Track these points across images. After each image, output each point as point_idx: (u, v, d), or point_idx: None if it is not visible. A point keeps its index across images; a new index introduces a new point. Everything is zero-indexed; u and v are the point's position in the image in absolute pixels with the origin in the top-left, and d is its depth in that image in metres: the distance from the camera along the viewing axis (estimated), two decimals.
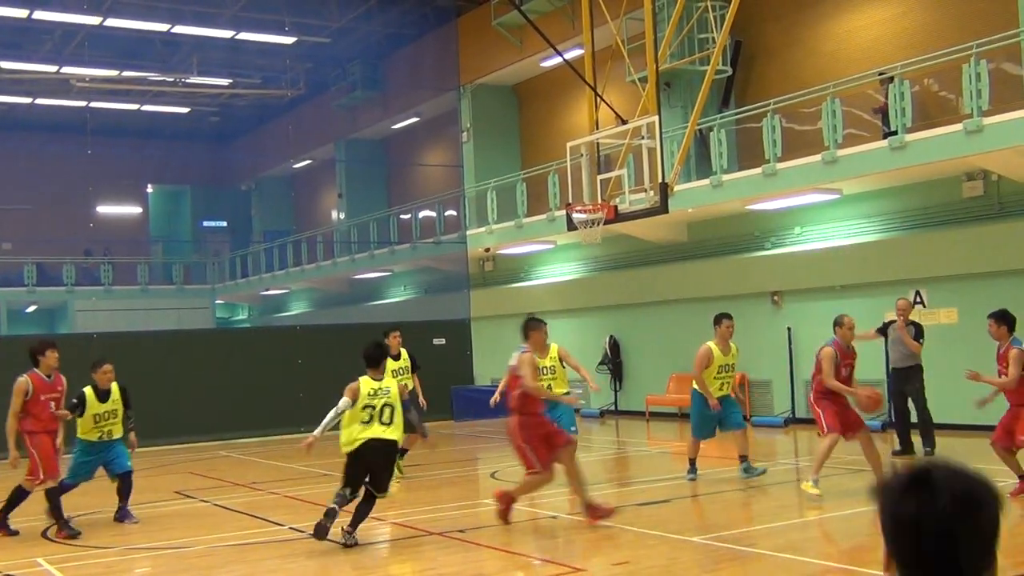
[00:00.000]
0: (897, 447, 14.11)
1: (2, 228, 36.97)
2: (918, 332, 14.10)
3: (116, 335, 21.96)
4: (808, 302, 19.14)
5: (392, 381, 9.85)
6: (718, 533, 8.95)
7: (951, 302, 17.04)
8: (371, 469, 9.19)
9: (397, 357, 13.60)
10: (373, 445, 9.12)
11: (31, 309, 38.08)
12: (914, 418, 14.39)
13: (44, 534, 10.49)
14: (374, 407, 9.23)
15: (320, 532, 8.90)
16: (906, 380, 14.08)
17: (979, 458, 13.54)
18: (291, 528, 10.17)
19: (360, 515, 9.18)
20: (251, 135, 41.39)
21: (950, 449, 14.72)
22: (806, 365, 19.18)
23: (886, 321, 14.55)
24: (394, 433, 9.31)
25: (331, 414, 9.19)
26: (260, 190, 42.28)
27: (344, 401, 9.21)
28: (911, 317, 14.45)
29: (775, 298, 19.80)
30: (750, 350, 20.25)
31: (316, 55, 32.69)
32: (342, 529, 9.04)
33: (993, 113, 15.15)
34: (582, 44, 18.14)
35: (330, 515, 8.93)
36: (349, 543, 9.01)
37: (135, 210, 42.98)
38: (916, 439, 14.15)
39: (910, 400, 14.23)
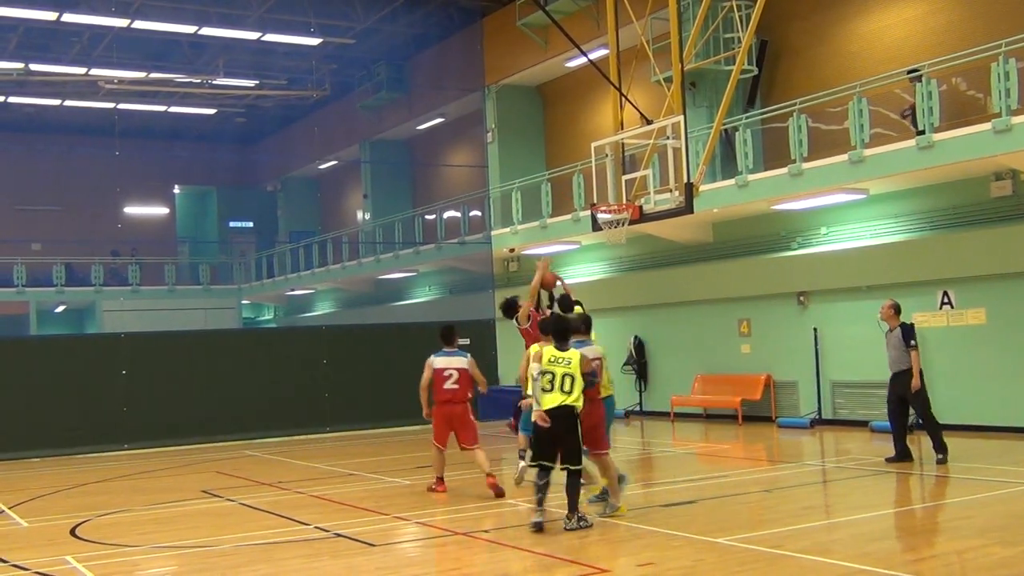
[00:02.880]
0: (891, 454, 13.48)
1: (32, 229, 37.35)
2: (906, 334, 13.40)
3: (143, 335, 22.13)
4: (834, 303, 19.02)
5: (575, 352, 9.63)
6: (744, 534, 8.91)
7: (979, 302, 16.90)
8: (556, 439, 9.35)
9: None
10: (555, 414, 9.33)
11: (60, 309, 38.41)
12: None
13: (73, 532, 10.58)
14: (554, 375, 9.37)
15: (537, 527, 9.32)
16: (902, 385, 13.43)
17: (1006, 458, 13.43)
18: (316, 527, 10.21)
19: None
20: (277, 136, 41.60)
21: (979, 451, 14.60)
22: (832, 366, 19.11)
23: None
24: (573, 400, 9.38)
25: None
26: (286, 191, 42.48)
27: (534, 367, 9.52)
28: (903, 319, 13.78)
29: (801, 299, 19.70)
30: (776, 351, 20.22)
31: (341, 56, 32.80)
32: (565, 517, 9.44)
33: (1022, 112, 15.01)
34: (607, 44, 18.11)
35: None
36: (571, 527, 9.32)
37: (162, 211, 43.28)
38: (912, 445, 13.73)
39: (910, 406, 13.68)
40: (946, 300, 17.32)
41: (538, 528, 9.32)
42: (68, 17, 27.67)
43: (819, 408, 19.10)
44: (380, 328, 24.91)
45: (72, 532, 10.62)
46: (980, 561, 7.84)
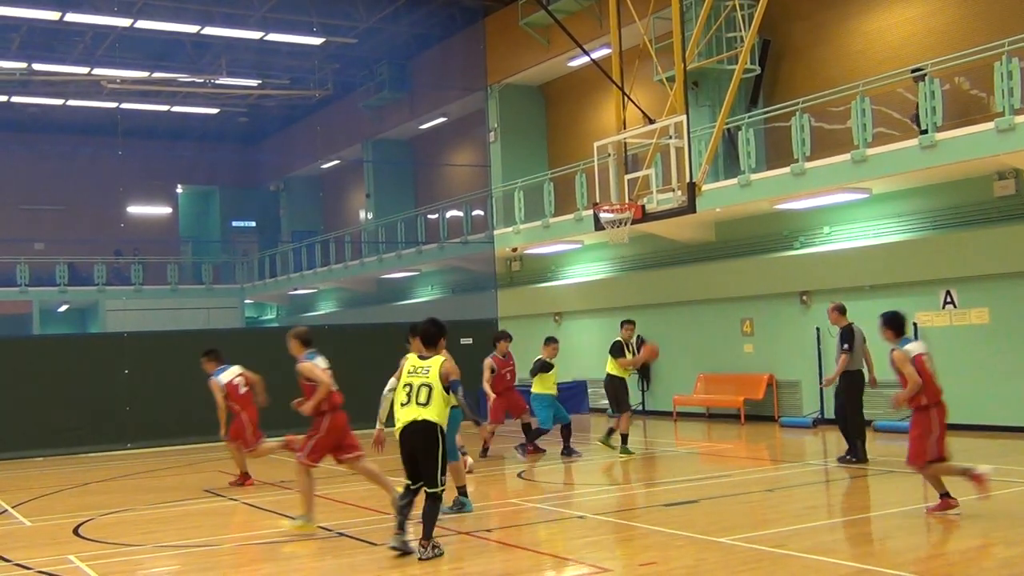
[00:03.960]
0: (846, 453, 13.64)
1: (35, 228, 37.38)
2: (842, 337, 13.47)
3: (146, 335, 22.13)
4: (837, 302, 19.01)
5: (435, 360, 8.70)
6: (746, 534, 8.91)
7: (982, 302, 16.88)
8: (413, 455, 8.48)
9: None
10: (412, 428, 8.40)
11: (63, 309, 38.45)
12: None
13: (76, 532, 10.59)
14: (411, 386, 8.52)
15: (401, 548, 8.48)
16: (845, 385, 13.62)
17: (1009, 458, 13.41)
18: (319, 526, 10.21)
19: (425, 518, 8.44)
20: (279, 136, 41.62)
21: (982, 451, 14.59)
22: (835, 366, 19.07)
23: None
24: (430, 414, 8.40)
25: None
26: (288, 190, 42.50)
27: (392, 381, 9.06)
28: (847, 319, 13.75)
29: (804, 298, 19.69)
30: (778, 350, 20.22)
31: (344, 56, 32.82)
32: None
33: None
34: (610, 43, 18.13)
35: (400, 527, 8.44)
36: (425, 556, 8.31)
37: (165, 210, 43.31)
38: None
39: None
40: (949, 300, 17.31)
41: (400, 551, 8.49)
42: (71, 17, 27.71)
43: (821, 408, 19.08)
44: (383, 328, 24.88)
45: (75, 531, 10.62)
46: (983, 562, 7.84)
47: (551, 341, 16.26)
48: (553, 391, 15.78)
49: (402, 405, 8.51)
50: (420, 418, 8.36)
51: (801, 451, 16.43)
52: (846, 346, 13.29)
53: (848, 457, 13.46)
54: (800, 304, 19.78)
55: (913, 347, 9.84)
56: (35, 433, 19.25)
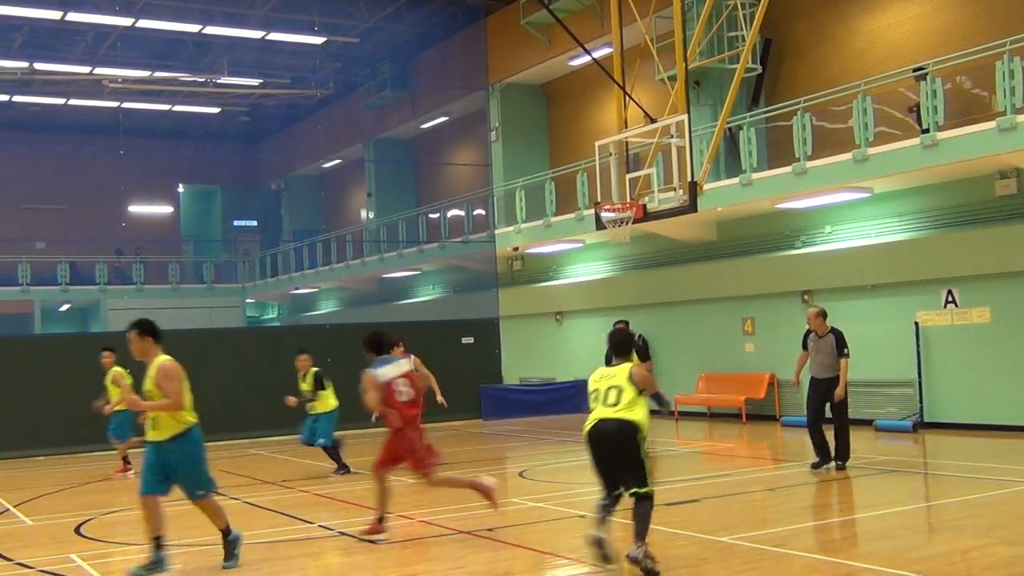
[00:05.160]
0: (815, 459, 12.89)
1: (36, 228, 37.40)
2: (840, 342, 12.77)
3: None
4: (839, 301, 19.00)
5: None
6: (748, 533, 8.90)
7: (983, 301, 16.87)
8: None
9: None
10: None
11: (64, 308, 38.47)
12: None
13: (77, 531, 10.60)
14: (599, 391, 8.08)
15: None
16: (827, 390, 12.76)
17: (1010, 457, 13.41)
18: (320, 526, 10.22)
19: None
20: (281, 135, 41.63)
21: (983, 450, 14.59)
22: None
23: (807, 330, 13.16)
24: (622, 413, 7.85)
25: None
26: (290, 189, 42.52)
27: None
28: (830, 323, 13.03)
29: (805, 297, 19.68)
30: (780, 350, 20.20)
31: (345, 55, 32.84)
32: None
33: None
34: (611, 43, 18.15)
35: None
36: (635, 555, 7.56)
37: (167, 209, 43.33)
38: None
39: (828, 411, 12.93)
40: (950, 299, 17.30)
41: (598, 546, 7.90)
42: (72, 16, 27.73)
43: None
44: (384, 327, 24.86)
45: (76, 530, 10.64)
46: (985, 560, 7.83)
47: (303, 352, 15.35)
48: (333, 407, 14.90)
49: (591, 411, 8.13)
50: (612, 417, 7.86)
51: (802, 450, 16.38)
52: (846, 351, 12.76)
53: (840, 464, 12.77)
54: (802, 303, 19.76)
55: (387, 371, 9.84)
56: (36, 432, 19.28)
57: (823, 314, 13.01)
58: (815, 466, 12.79)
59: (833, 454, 12.85)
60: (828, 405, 12.88)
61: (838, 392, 12.66)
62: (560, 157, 27.59)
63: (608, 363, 8.42)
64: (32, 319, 35.96)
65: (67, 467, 17.36)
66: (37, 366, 19.80)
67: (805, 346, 13.16)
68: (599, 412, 7.96)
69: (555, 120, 28.91)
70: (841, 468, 12.72)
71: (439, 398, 14.81)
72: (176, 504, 12.31)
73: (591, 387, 8.15)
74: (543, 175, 25.51)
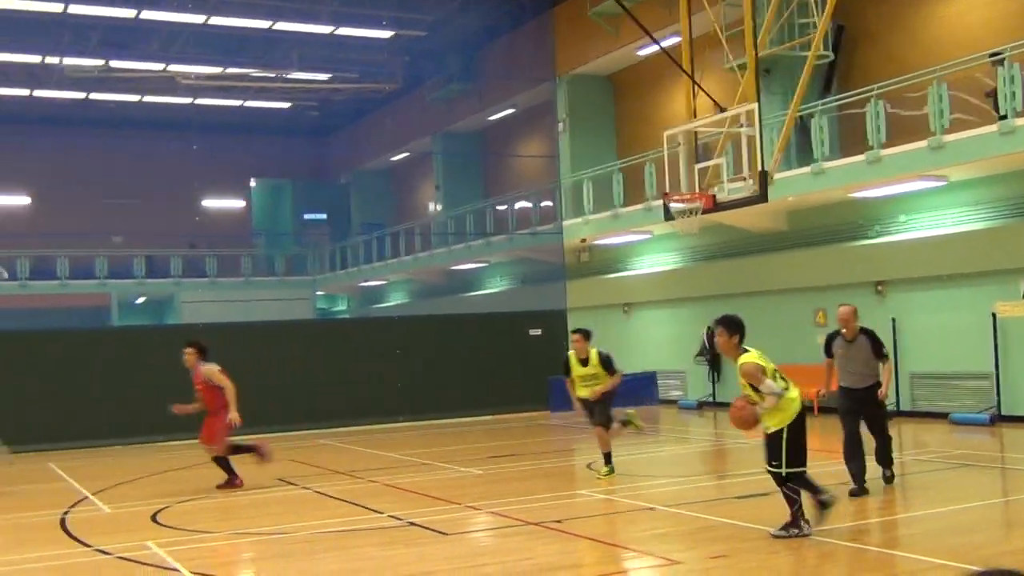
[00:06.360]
0: (853, 486, 10.72)
1: (113, 222, 38.24)
2: (878, 344, 10.90)
3: (221, 326, 22.51)
4: (913, 292, 18.66)
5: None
6: (820, 528, 8.77)
7: None
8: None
9: (585, 363, 12.58)
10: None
11: (140, 300, 39.26)
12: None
13: (153, 518, 10.81)
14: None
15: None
16: (864, 402, 10.96)
17: None
18: (390, 516, 10.30)
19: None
20: (350, 129, 42.01)
21: None
22: (912, 356, 18.76)
23: (829, 334, 11.28)
24: None
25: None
26: (358, 183, 42.89)
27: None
28: (859, 323, 11.04)
29: (879, 288, 19.34)
30: None
31: (413, 49, 33.02)
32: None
33: None
34: (679, 31, 17.96)
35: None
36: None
37: (239, 203, 43.99)
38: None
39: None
40: None
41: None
42: (146, 14, 28.26)
43: (897, 400, 18.73)
44: (452, 319, 25.01)
45: (153, 518, 10.85)
46: None
47: None
48: None
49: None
50: None
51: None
52: (885, 351, 10.97)
53: (889, 474, 11.19)
54: (875, 294, 19.43)
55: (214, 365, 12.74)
56: (114, 422, 19.71)
57: (856, 312, 11.00)
58: (854, 493, 10.61)
59: (876, 461, 11.13)
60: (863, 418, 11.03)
61: (882, 392, 10.93)
62: (628, 147, 27.44)
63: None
64: (109, 311, 36.79)
65: (143, 456, 17.73)
66: (114, 357, 20.24)
67: (829, 352, 11.09)
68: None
69: (623, 110, 28.76)
70: (891, 477, 11.18)
71: None
72: (250, 493, 12.51)
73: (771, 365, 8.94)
74: (611, 166, 25.39)
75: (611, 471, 12.44)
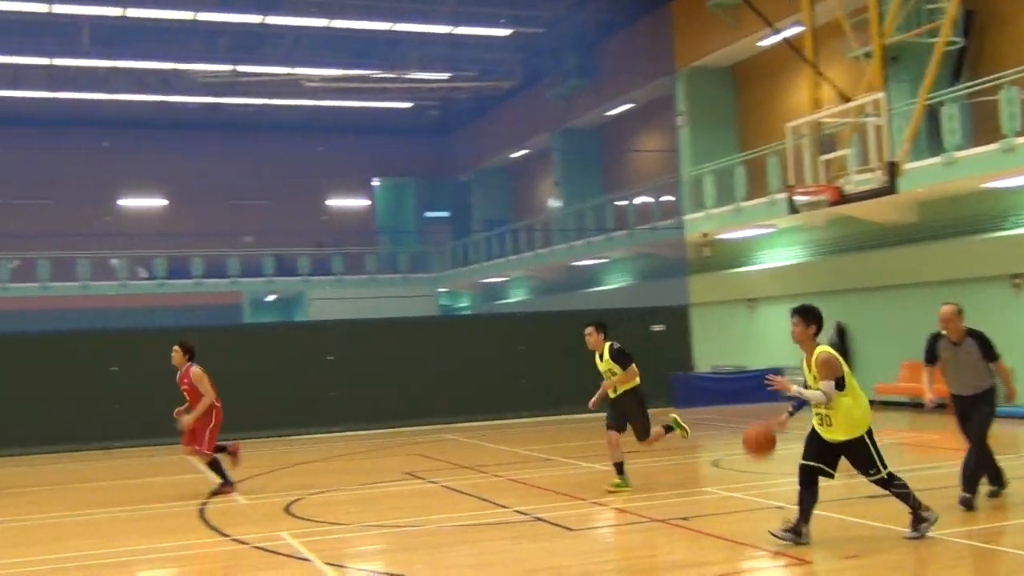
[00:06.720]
0: (990, 486, 10.22)
1: (243, 223, 39.47)
2: (984, 345, 10.08)
3: (348, 323, 23.04)
4: None
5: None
6: (956, 528, 8.54)
7: None
8: None
9: (601, 358, 12.07)
10: None
11: (271, 298, 40.40)
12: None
13: (287, 509, 11.15)
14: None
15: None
16: (973, 408, 10.25)
17: None
18: (516, 511, 10.40)
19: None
20: (470, 127, 42.40)
21: None
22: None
23: (930, 336, 10.43)
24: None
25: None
26: (479, 180, 43.26)
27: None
28: (966, 324, 10.22)
29: (1016, 281, 18.65)
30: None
31: (531, 46, 33.16)
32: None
33: None
34: (801, 21, 17.67)
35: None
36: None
37: (363, 202, 44.86)
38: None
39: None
40: None
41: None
42: (271, 19, 29.09)
43: None
44: (574, 315, 25.03)
45: (286, 509, 11.19)
46: None
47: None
48: None
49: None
50: None
51: (1016, 442, 15.59)
52: (996, 351, 10.18)
53: (995, 489, 10.30)
54: (1011, 287, 18.75)
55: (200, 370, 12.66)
56: (248, 416, 20.33)
57: (961, 313, 10.16)
58: (992, 495, 10.17)
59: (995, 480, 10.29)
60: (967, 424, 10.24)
61: (1012, 391, 10.32)
62: (750, 140, 27.04)
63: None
64: (241, 309, 37.98)
65: (277, 449, 18.26)
66: (247, 354, 20.90)
67: (932, 358, 10.35)
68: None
69: (744, 103, 28.34)
70: (995, 495, 10.24)
71: None
72: (379, 486, 12.78)
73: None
74: (733, 159, 25.06)
75: (624, 483, 11.40)
